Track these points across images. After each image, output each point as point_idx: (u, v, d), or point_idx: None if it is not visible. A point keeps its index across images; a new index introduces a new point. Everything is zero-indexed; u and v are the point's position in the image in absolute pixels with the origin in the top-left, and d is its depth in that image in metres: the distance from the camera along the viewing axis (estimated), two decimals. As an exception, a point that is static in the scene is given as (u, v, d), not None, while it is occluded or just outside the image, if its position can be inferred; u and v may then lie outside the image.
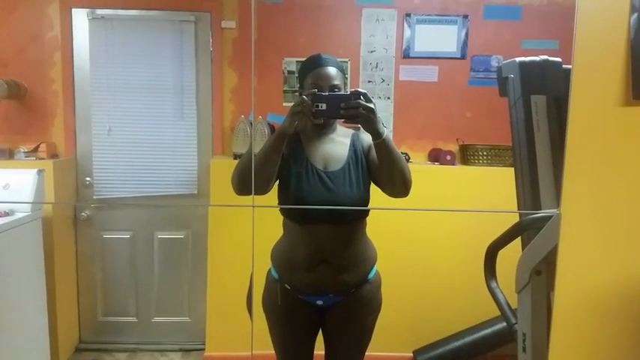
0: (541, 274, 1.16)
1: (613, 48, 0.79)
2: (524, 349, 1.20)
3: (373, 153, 1.65)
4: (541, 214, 1.21)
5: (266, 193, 1.67)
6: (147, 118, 3.01)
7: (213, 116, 3.03)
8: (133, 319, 3.17)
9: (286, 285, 1.76)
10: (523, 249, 1.32)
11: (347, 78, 2.93)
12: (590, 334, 0.79)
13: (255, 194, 1.63)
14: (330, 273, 1.69)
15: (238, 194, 1.65)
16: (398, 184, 1.61)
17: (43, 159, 2.85)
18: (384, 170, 1.61)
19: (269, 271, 1.85)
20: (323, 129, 1.74)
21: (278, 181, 1.72)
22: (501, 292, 1.38)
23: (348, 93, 1.53)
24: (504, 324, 2.73)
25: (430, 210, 2.79)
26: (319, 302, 1.77)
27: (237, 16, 2.97)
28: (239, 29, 2.97)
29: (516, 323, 1.26)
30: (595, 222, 0.79)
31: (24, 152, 2.87)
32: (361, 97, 1.50)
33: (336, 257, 1.69)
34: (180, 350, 3.11)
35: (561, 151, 0.88)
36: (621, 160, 0.78)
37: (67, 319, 3.01)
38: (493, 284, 1.40)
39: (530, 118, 1.41)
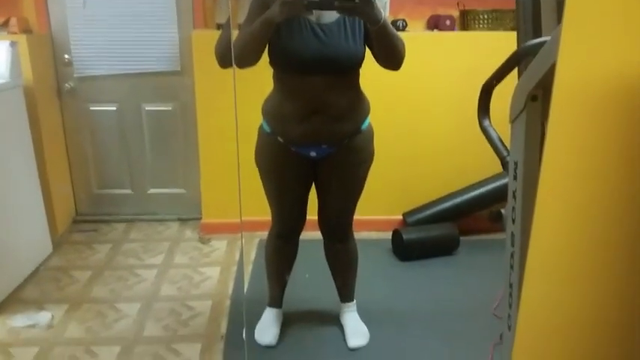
0: (537, 100, 1.12)
1: None
2: (514, 177, 1.19)
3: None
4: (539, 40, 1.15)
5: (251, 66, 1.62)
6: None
7: None
8: (129, 191, 3.20)
9: (279, 138, 1.74)
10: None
11: None
12: (589, 127, 0.76)
13: (239, 67, 1.60)
14: (324, 123, 1.69)
15: (222, 68, 1.70)
16: (392, 62, 1.66)
17: (15, 33, 2.69)
18: (381, 51, 1.63)
19: (261, 126, 1.82)
20: None
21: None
22: (494, 130, 1.35)
23: None
24: (490, 186, 2.82)
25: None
26: (312, 154, 1.77)
27: None
28: None
29: (508, 155, 1.25)
30: (599, 18, 0.72)
31: (-6, 27, 2.70)
32: None
33: (329, 107, 1.67)
34: (178, 219, 3.18)
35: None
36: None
37: (62, 192, 3.03)
38: (486, 122, 1.36)
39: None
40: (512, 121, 1.19)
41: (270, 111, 1.75)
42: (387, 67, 1.68)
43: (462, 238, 2.75)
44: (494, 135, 1.35)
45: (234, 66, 1.58)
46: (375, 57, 1.68)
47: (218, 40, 1.77)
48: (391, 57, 1.63)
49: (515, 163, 1.20)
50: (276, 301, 2.08)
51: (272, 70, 1.73)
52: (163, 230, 3.08)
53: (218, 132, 2.80)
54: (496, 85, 1.36)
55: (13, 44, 2.48)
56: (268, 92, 1.80)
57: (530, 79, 1.11)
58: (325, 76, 1.64)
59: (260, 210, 2.87)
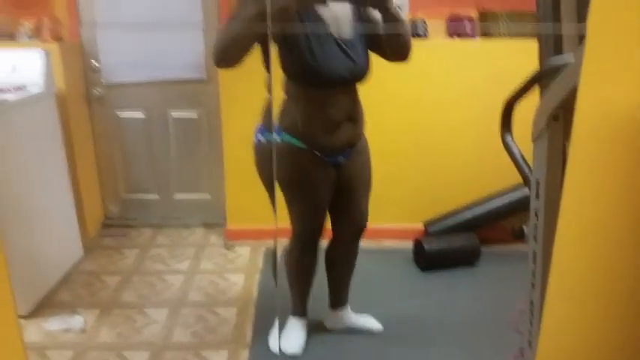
0: (558, 120, 1.14)
1: None
2: (537, 196, 1.21)
3: (372, 15, 1.72)
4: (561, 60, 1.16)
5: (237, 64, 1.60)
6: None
7: None
8: (155, 197, 3.28)
9: (312, 149, 1.76)
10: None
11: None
12: (608, 153, 0.77)
13: (228, 65, 1.59)
14: (350, 129, 1.79)
15: (219, 65, 1.61)
16: (400, 53, 1.73)
17: (48, 41, 2.78)
18: (391, 41, 1.69)
19: (283, 141, 1.76)
20: None
21: (280, 47, 1.67)
22: (516, 145, 1.36)
23: None
24: (512, 196, 2.81)
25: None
26: (341, 159, 1.83)
27: None
28: None
29: (530, 172, 1.26)
30: (621, 45, 0.74)
31: (27, 35, 2.80)
32: None
33: (352, 113, 1.78)
34: (203, 225, 3.25)
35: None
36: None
37: (91, 197, 3.12)
38: (508, 138, 1.37)
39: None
40: (535, 140, 1.21)
41: (300, 125, 1.74)
42: (396, 58, 1.76)
43: (483, 248, 2.74)
44: (516, 152, 1.36)
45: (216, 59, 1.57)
46: (383, 53, 1.76)
47: (219, 32, 1.63)
48: (401, 48, 1.71)
49: (538, 182, 1.21)
50: (301, 310, 2.11)
51: (288, 84, 1.73)
52: (189, 235, 3.15)
53: (242, 138, 2.83)
54: (518, 101, 1.38)
55: (46, 54, 2.57)
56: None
57: (552, 100, 1.12)
58: (349, 86, 1.76)
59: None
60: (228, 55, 1.57)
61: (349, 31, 1.71)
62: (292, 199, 1.86)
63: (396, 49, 1.72)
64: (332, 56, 1.66)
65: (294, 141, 1.76)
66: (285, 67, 1.70)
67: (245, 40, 1.55)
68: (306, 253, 1.99)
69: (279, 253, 2.14)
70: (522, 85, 1.31)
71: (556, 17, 1.35)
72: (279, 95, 1.79)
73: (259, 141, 1.82)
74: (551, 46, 1.34)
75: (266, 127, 1.79)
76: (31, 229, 2.36)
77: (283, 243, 2.03)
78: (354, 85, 1.77)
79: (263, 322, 2.24)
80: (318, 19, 1.67)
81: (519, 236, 1.25)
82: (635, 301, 0.90)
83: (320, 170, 1.80)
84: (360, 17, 1.74)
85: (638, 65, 0.73)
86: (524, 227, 1.26)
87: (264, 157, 1.81)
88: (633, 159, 0.76)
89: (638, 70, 0.73)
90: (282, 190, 1.84)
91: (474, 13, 2.84)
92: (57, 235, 2.61)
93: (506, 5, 2.76)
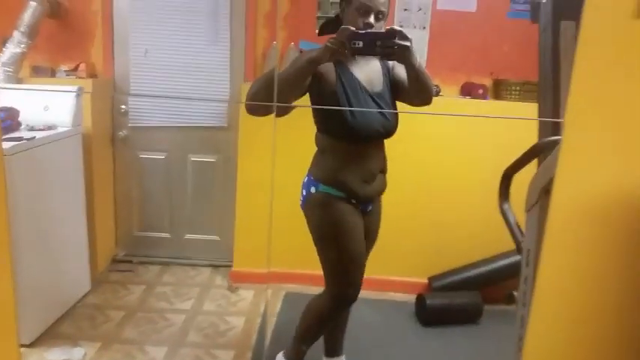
0: (549, 193, 1.20)
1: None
2: (527, 264, 1.26)
3: (397, 71, 1.84)
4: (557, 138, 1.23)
5: (284, 114, 1.75)
6: (182, 40, 3.05)
7: (246, 42, 3.04)
8: (167, 235, 3.36)
9: (352, 200, 1.85)
10: (539, 173, 1.35)
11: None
12: (583, 240, 0.84)
13: (275, 114, 1.70)
14: (381, 179, 1.91)
15: (250, 112, 1.73)
16: (425, 99, 1.83)
17: (83, 78, 2.96)
18: (416, 91, 1.78)
19: (324, 194, 1.83)
20: None
21: (317, 104, 1.79)
22: (512, 214, 1.42)
23: (384, 31, 1.58)
24: (516, 257, 2.82)
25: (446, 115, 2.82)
26: (369, 207, 1.93)
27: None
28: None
29: (522, 240, 1.32)
30: (597, 133, 0.81)
31: (65, 71, 2.98)
32: (397, 34, 1.55)
33: (383, 164, 1.91)
34: (210, 265, 3.31)
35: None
36: (627, 74, 0.80)
37: (105, 233, 3.21)
38: (505, 206, 1.44)
39: (557, 44, 1.40)
40: (527, 210, 1.27)
41: (338, 176, 1.81)
42: (421, 104, 1.85)
43: (486, 306, 2.74)
44: (512, 219, 1.42)
45: (273, 109, 1.68)
46: (408, 99, 1.87)
47: (254, 81, 1.76)
48: (424, 94, 1.79)
49: (528, 251, 1.26)
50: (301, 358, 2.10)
51: (323, 139, 1.85)
52: (195, 275, 3.21)
53: (255, 184, 2.95)
54: (516, 172, 1.45)
55: (79, 91, 2.73)
56: (311, 152, 1.92)
57: (544, 175, 1.19)
58: (380, 140, 1.88)
59: (289, 262, 3.02)
60: (284, 93, 1.64)
61: (380, 85, 1.83)
62: (327, 249, 1.87)
63: (421, 96, 1.82)
64: (369, 113, 1.77)
65: (333, 191, 1.82)
66: (322, 123, 1.82)
67: (292, 84, 1.67)
68: (339, 312, 1.98)
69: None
70: (520, 158, 1.39)
71: (556, 91, 1.44)
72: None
73: (310, 193, 1.86)
74: (549, 120, 1.43)
75: (316, 179, 1.84)
76: (43, 260, 2.43)
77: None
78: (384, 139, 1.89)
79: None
80: (352, 76, 1.78)
81: (511, 302, 1.28)
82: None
83: (357, 217, 1.87)
84: (388, 72, 1.87)
85: (611, 156, 0.80)
86: (514, 293, 1.30)
87: (317, 208, 1.85)
88: (605, 237, 0.82)
89: (610, 160, 0.80)
90: (317, 238, 1.88)
91: (488, 82, 2.95)
92: (67, 268, 2.68)
93: (520, 75, 2.86)
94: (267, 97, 1.64)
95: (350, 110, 1.73)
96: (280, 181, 2.44)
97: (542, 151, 1.31)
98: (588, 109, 0.81)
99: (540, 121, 1.47)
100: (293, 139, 2.69)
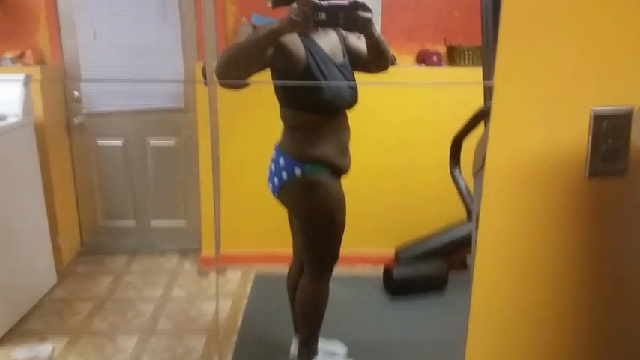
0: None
1: None
2: (477, 227, 1.26)
3: (351, 41, 1.87)
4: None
5: (243, 85, 1.70)
6: (131, 22, 2.96)
7: (201, 19, 2.94)
8: (132, 223, 3.31)
9: (336, 174, 1.85)
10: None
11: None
12: (517, 202, 0.84)
13: (234, 85, 1.68)
14: (348, 149, 1.90)
15: (220, 77, 1.63)
16: (383, 65, 1.85)
17: (30, 65, 2.85)
18: (375, 57, 1.80)
19: (309, 175, 1.79)
20: None
21: (278, 76, 1.75)
22: (463, 179, 1.43)
23: (347, 4, 1.56)
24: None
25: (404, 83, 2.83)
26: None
27: None
28: None
29: (472, 207, 1.32)
30: (523, 95, 0.81)
31: (10, 59, 2.86)
32: (360, 6, 1.55)
33: (349, 134, 1.90)
34: (178, 251, 3.28)
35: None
36: (554, 33, 0.79)
37: (68, 224, 3.14)
38: (456, 172, 1.45)
39: (498, 5, 1.38)
40: (474, 175, 1.27)
41: (323, 153, 1.78)
42: (378, 70, 1.88)
43: (452, 273, 2.78)
44: (462, 185, 1.43)
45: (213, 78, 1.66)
46: (365, 68, 1.88)
47: (224, 50, 1.67)
48: (383, 61, 1.82)
49: (478, 214, 1.27)
50: (316, 349, 2.06)
51: (295, 115, 1.80)
52: (163, 262, 3.17)
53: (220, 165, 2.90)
54: (466, 136, 1.45)
55: (26, 82, 2.62)
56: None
57: (486, 140, 1.19)
58: (347, 109, 1.86)
59: (255, 242, 3.00)
60: (232, 70, 1.60)
61: (342, 56, 1.83)
62: (325, 228, 1.86)
63: (380, 63, 1.84)
64: (339, 82, 1.76)
65: (320, 169, 1.79)
66: (295, 99, 1.78)
67: (253, 56, 1.61)
68: (328, 282, 1.97)
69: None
70: (467, 123, 1.39)
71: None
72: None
73: (295, 175, 1.78)
74: (492, 65, 1.42)
75: (299, 159, 1.78)
76: (4, 257, 2.37)
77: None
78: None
79: (243, 353, 2.26)
80: (320, 48, 1.75)
81: (463, 265, 1.30)
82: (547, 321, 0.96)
83: (342, 191, 1.87)
84: (344, 42, 1.87)
85: (540, 117, 0.80)
86: (467, 255, 1.32)
87: (307, 190, 1.80)
88: (537, 198, 0.83)
89: (540, 121, 0.80)
90: (313, 220, 1.85)
91: (442, 49, 2.94)
92: (30, 263, 2.62)
93: (472, 40, 2.85)
94: (237, 66, 1.61)
95: (323, 80, 1.71)
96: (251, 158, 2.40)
97: (487, 114, 1.30)
98: (515, 70, 0.80)
99: (485, 84, 1.47)
100: (248, 115, 2.66)
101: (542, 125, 0.82)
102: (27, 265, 2.57)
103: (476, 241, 1.28)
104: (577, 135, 0.80)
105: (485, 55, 1.44)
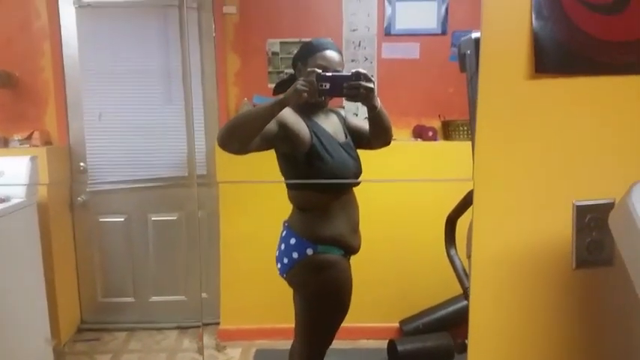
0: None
1: (518, 20, 0.84)
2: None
3: (351, 121, 1.94)
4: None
5: (245, 151, 1.63)
6: (136, 103, 3.08)
7: (219, 99, 3.07)
8: (131, 299, 3.28)
9: (348, 255, 1.84)
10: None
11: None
12: (503, 289, 0.85)
13: (236, 149, 1.62)
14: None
15: (222, 146, 1.62)
16: (385, 140, 1.88)
17: (37, 146, 2.93)
18: (377, 131, 1.81)
19: (321, 255, 1.78)
20: (321, 106, 1.85)
21: (285, 159, 1.79)
22: (459, 258, 1.44)
23: (350, 74, 1.63)
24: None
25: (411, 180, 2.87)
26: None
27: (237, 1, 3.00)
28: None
29: (469, 287, 1.33)
30: (504, 190, 0.84)
31: (18, 140, 2.95)
32: (362, 77, 1.62)
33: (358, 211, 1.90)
34: (178, 327, 3.22)
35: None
36: (526, 132, 0.83)
37: (68, 301, 3.12)
38: (452, 251, 1.46)
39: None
40: (468, 257, 1.29)
41: (335, 233, 1.78)
42: (381, 145, 1.90)
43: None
44: (458, 265, 1.44)
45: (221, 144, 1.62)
46: (367, 145, 1.90)
47: (229, 120, 1.69)
48: (385, 135, 1.85)
49: (474, 297, 1.28)
50: None
51: (304, 196, 1.81)
52: (161, 340, 3.11)
53: (238, 239, 2.92)
54: (459, 216, 1.48)
55: (33, 159, 2.68)
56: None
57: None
58: (354, 187, 1.88)
59: (255, 318, 2.96)
60: (248, 131, 1.59)
61: (344, 136, 1.87)
62: (331, 310, 1.83)
63: (383, 137, 1.86)
64: (345, 161, 1.80)
65: (332, 249, 1.79)
66: (304, 179, 1.78)
67: (259, 124, 1.60)
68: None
69: None
70: (459, 203, 1.42)
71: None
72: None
73: (307, 255, 1.77)
74: None
75: (310, 239, 1.77)
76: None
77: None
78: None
79: None
80: (323, 129, 1.79)
81: (462, 351, 1.27)
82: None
83: (350, 274, 1.85)
84: (344, 123, 1.91)
85: (518, 211, 0.83)
86: (467, 342, 1.30)
87: (319, 270, 1.78)
88: (521, 284, 0.84)
89: (518, 215, 0.83)
90: (320, 301, 1.81)
91: (437, 124, 3.04)
92: (25, 343, 2.57)
93: (466, 115, 2.94)
94: (242, 129, 1.61)
95: (331, 159, 1.74)
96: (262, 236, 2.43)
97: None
98: (492, 168, 0.84)
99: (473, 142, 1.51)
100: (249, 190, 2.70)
101: (525, 219, 0.85)
102: (21, 346, 2.51)
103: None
104: (562, 227, 0.83)
105: (473, 137, 1.49)
